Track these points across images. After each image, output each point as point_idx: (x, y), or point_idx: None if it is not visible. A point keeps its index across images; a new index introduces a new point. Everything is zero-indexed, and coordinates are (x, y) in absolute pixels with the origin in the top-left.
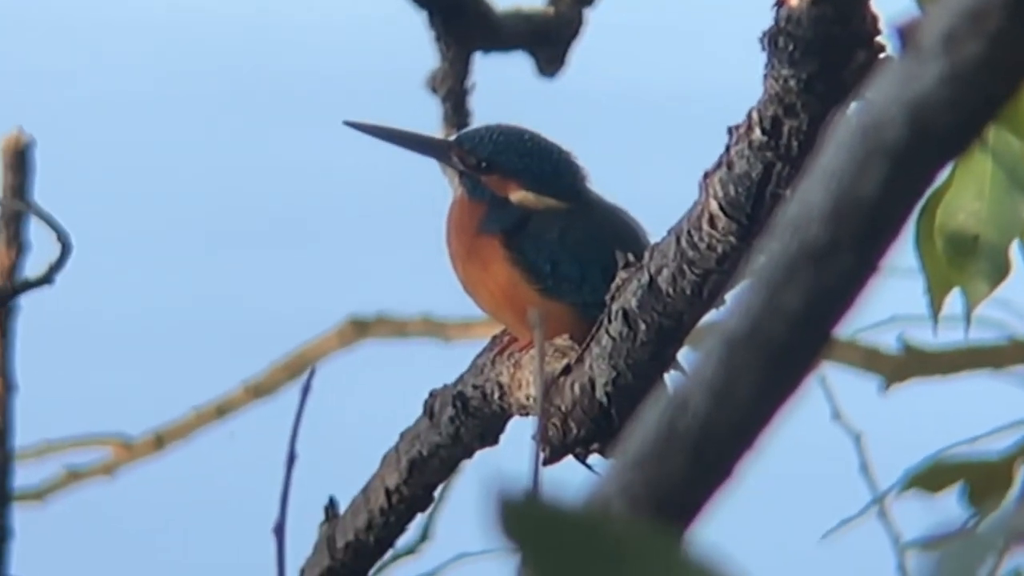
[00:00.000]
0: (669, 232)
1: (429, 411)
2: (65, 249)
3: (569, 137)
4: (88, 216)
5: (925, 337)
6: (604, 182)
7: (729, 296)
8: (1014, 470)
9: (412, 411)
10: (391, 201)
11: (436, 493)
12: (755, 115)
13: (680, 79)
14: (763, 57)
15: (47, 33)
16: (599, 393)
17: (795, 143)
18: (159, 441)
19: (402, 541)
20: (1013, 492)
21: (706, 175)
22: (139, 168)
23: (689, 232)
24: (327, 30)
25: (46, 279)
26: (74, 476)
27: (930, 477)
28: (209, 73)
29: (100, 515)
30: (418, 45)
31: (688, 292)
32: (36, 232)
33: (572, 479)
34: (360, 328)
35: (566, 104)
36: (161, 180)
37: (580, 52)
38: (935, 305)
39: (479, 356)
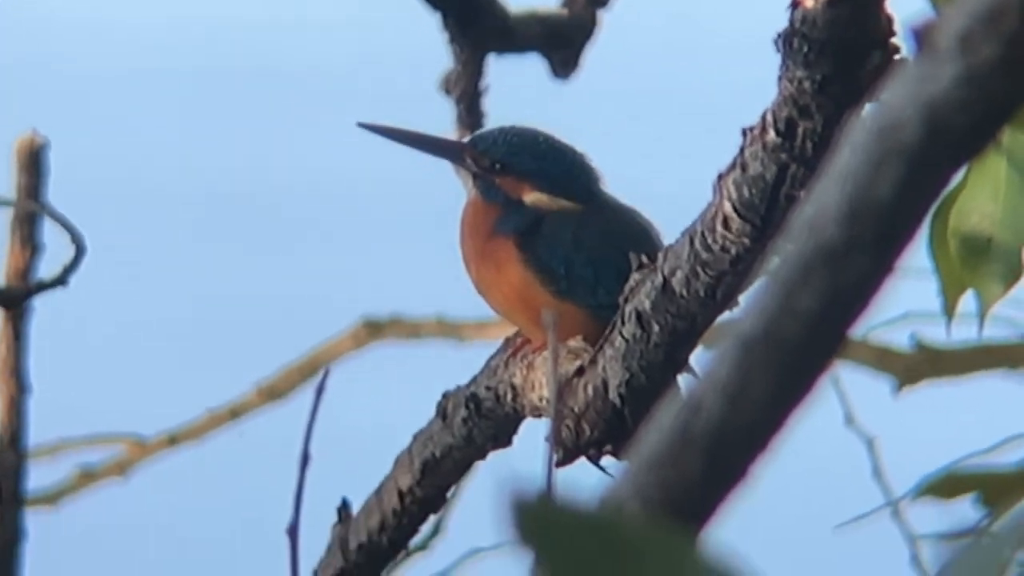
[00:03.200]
0: (683, 234)
1: (442, 412)
2: (79, 251)
3: (583, 139)
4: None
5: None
6: (618, 183)
7: (743, 298)
8: None
9: (425, 412)
10: (405, 202)
11: (449, 495)
12: (769, 116)
13: (694, 80)
14: (778, 58)
15: (59, 36)
16: (612, 395)
17: (809, 145)
18: (172, 441)
19: (415, 538)
20: None
21: (720, 177)
22: (153, 169)
23: (703, 234)
24: (341, 30)
25: (60, 280)
26: (87, 477)
27: (944, 486)
28: (223, 73)
29: (113, 517)
30: (433, 46)
31: (702, 294)
32: (50, 233)
33: (585, 481)
34: (374, 329)
35: (580, 106)
36: (175, 181)
37: (594, 54)
38: (949, 306)
39: (492, 358)
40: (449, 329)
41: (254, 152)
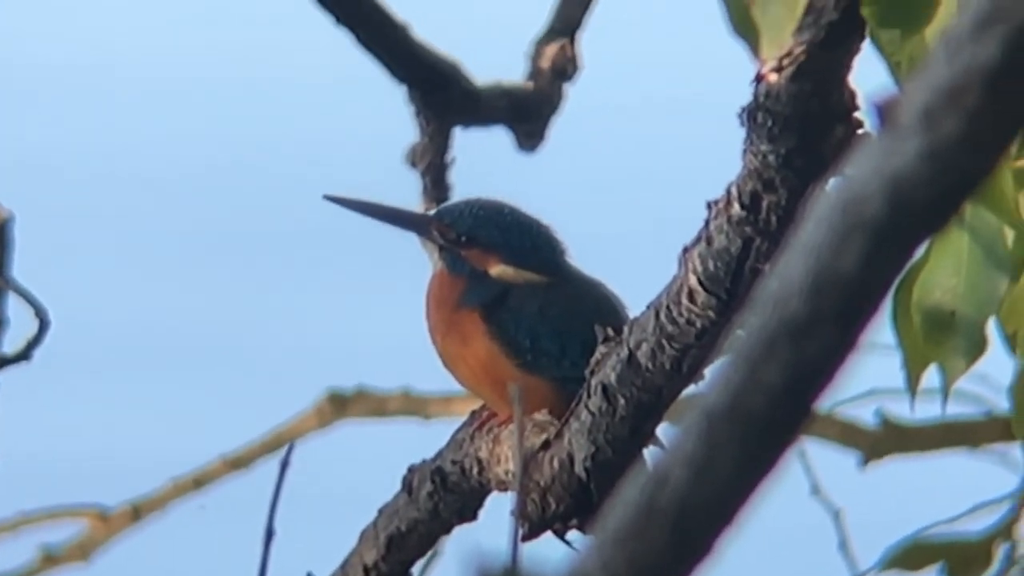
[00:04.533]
0: (648, 307)
1: (408, 486)
2: (43, 325)
3: (548, 211)
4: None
5: (904, 411)
6: (583, 257)
7: (708, 371)
8: (993, 550)
9: (391, 486)
10: (371, 273)
11: (414, 570)
12: (734, 190)
13: (659, 153)
14: (742, 131)
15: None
16: (578, 468)
17: (774, 218)
18: (136, 512)
19: None
20: (992, 571)
21: (685, 250)
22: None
23: (668, 307)
24: (308, 104)
25: (24, 355)
26: (50, 561)
27: (910, 556)
28: (189, 142)
29: None
30: (398, 118)
31: (667, 367)
32: (14, 308)
33: (551, 555)
34: (339, 405)
35: (546, 178)
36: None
37: (560, 126)
38: (912, 381)
39: (458, 431)
40: (415, 404)
41: (216, 221)
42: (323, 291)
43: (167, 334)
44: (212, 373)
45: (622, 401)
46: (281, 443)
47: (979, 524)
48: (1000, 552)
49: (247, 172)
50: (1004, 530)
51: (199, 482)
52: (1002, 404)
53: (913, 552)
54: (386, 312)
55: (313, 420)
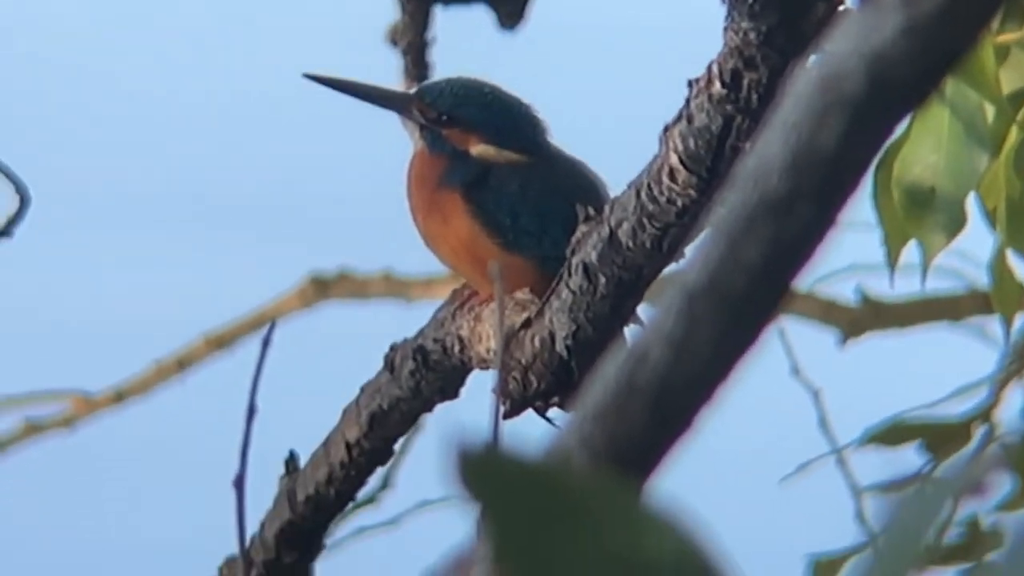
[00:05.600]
0: (629, 186)
1: (390, 365)
2: (24, 202)
3: (529, 90)
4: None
5: (883, 288)
6: (565, 136)
7: (689, 249)
8: (972, 430)
9: (373, 365)
10: (352, 154)
11: (396, 447)
12: (715, 68)
13: (641, 32)
14: (723, 8)
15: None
16: (559, 346)
17: (755, 96)
18: (119, 396)
19: (362, 491)
20: (970, 447)
21: (666, 128)
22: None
23: (649, 186)
24: None
25: (4, 232)
26: (33, 428)
27: (889, 434)
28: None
29: (59, 468)
30: None
31: (648, 245)
32: None
33: (532, 432)
34: (321, 287)
35: (527, 57)
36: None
37: (540, 5)
38: (892, 257)
39: (440, 310)
40: (398, 286)
41: (205, 96)
42: (304, 164)
43: (151, 195)
44: (195, 238)
45: (603, 280)
46: (263, 322)
47: (959, 406)
48: (978, 432)
49: (230, 42)
50: (983, 413)
51: (182, 363)
52: (982, 279)
53: (892, 430)
54: (367, 190)
55: (295, 301)
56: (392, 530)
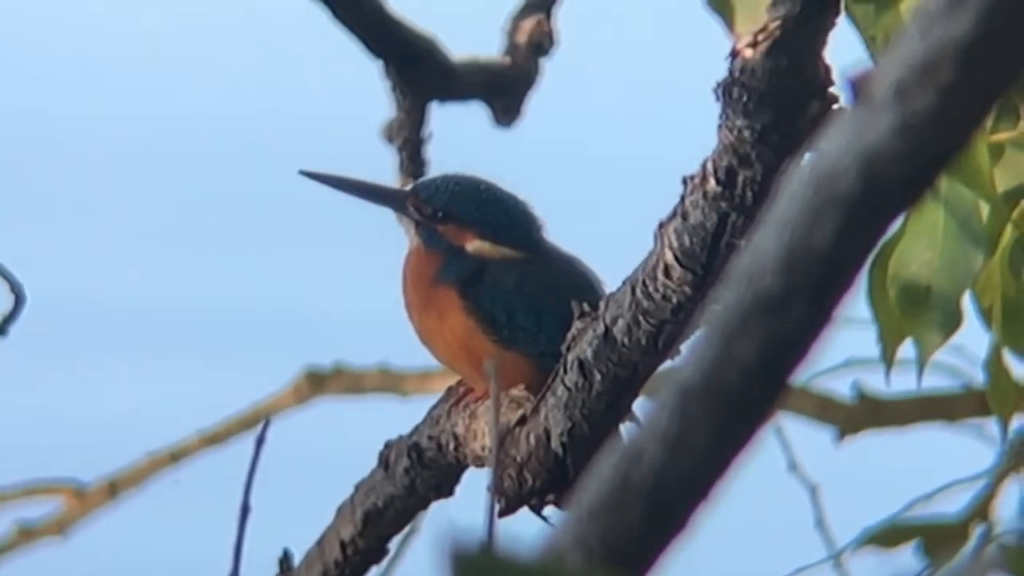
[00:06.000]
0: (624, 282)
1: (384, 462)
2: (19, 301)
3: (525, 187)
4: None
5: (880, 383)
6: (560, 232)
7: (684, 346)
8: (970, 529)
9: (367, 463)
10: (347, 250)
11: (391, 545)
12: (709, 165)
13: (635, 129)
14: (717, 107)
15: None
16: (555, 444)
17: (749, 193)
18: (112, 488)
19: None
20: (968, 548)
21: (661, 225)
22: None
23: (644, 282)
24: (284, 79)
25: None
26: (26, 535)
27: (887, 535)
28: (159, 116)
29: (53, 573)
30: (374, 94)
31: (643, 342)
32: None
33: (527, 531)
34: (316, 382)
35: (522, 154)
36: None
37: (536, 102)
38: (888, 355)
39: (435, 407)
40: (392, 381)
41: (197, 193)
42: (300, 266)
43: (143, 311)
44: (189, 348)
45: (598, 376)
46: (258, 419)
47: (956, 502)
48: (976, 532)
49: (222, 147)
50: (980, 510)
51: (176, 457)
52: (978, 377)
53: (890, 531)
54: (363, 288)
55: (290, 397)
56: None
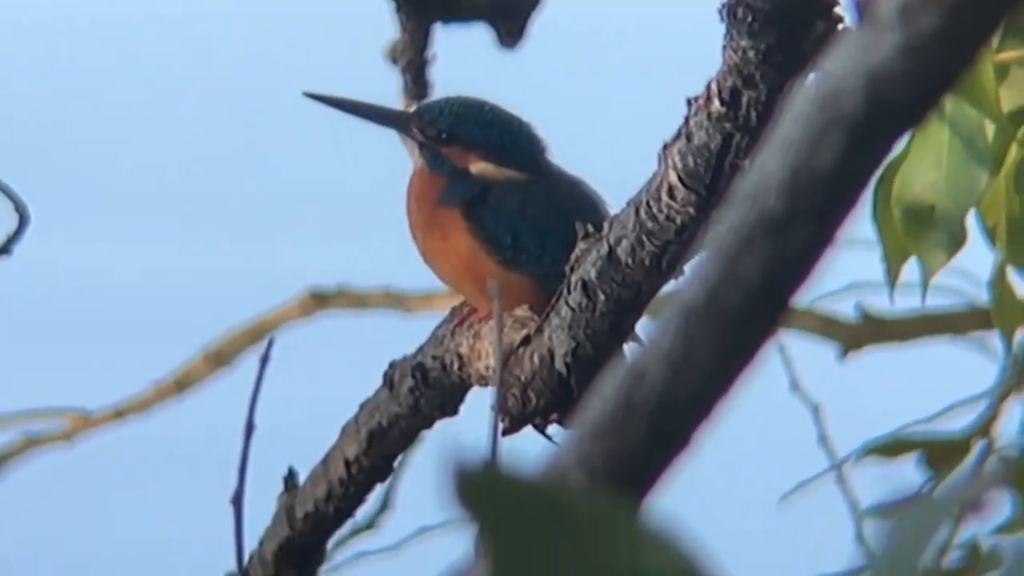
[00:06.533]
0: (628, 203)
1: (389, 382)
2: (23, 220)
3: (529, 109)
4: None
5: (884, 305)
6: (564, 154)
7: (687, 267)
8: (971, 445)
9: (372, 382)
10: (352, 172)
11: (395, 464)
12: (714, 86)
13: (640, 49)
14: (722, 27)
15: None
16: (558, 363)
17: (754, 114)
18: (118, 414)
19: (362, 513)
20: (969, 461)
21: (665, 146)
22: (100, 139)
23: (648, 203)
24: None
25: (3, 250)
26: (32, 442)
27: (888, 448)
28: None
29: (58, 483)
30: (378, 14)
31: (647, 263)
32: None
33: (531, 449)
34: (320, 300)
35: (526, 75)
36: (119, 151)
37: (541, 23)
38: (892, 274)
39: (439, 327)
40: (396, 300)
41: (201, 125)
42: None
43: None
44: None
45: (602, 297)
46: (262, 334)
47: (960, 419)
48: (977, 447)
49: (228, 69)
50: (983, 425)
51: (181, 384)
52: (982, 297)
53: (891, 444)
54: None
55: (295, 311)
56: (392, 555)
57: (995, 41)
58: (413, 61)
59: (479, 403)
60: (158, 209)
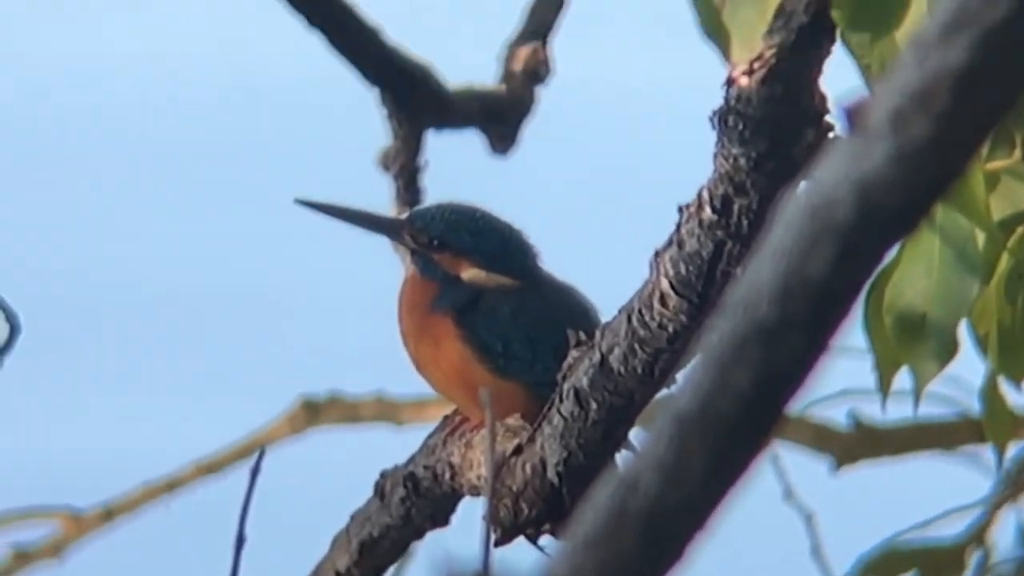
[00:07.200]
0: (620, 311)
1: (380, 492)
2: (14, 330)
3: (520, 215)
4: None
5: (876, 412)
6: (555, 261)
7: (680, 375)
8: (966, 556)
9: (363, 492)
10: (343, 278)
11: None
12: (705, 193)
13: (630, 156)
14: (713, 134)
15: None
16: (550, 473)
17: (745, 221)
18: (108, 515)
19: None
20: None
21: (657, 254)
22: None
23: (640, 311)
24: (280, 106)
25: None
26: (22, 558)
27: (883, 563)
28: (161, 145)
29: None
30: (370, 122)
31: (639, 371)
32: None
33: (523, 560)
34: (312, 412)
35: (518, 182)
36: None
37: (532, 130)
38: (884, 384)
39: (430, 436)
40: (388, 410)
41: (192, 228)
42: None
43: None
44: (184, 376)
45: (594, 405)
46: (254, 448)
47: (952, 529)
48: (973, 558)
49: (217, 174)
50: (976, 536)
51: (171, 486)
52: (974, 406)
53: (886, 559)
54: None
55: (286, 427)
56: None
57: (985, 150)
58: (405, 167)
59: (471, 513)
60: (149, 310)
